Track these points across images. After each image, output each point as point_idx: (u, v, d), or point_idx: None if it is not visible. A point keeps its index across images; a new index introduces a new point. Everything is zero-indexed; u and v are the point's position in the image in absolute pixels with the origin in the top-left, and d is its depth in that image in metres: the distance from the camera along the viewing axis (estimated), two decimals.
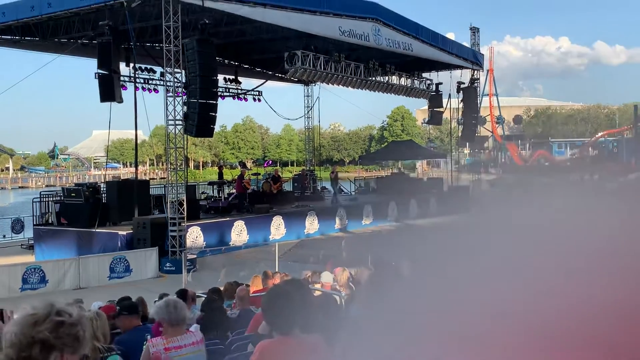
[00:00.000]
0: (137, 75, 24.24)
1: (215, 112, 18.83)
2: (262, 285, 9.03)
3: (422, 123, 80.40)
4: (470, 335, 1.12)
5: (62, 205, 20.68)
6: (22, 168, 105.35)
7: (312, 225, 23.84)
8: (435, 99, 33.30)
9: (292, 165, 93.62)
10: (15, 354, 1.80)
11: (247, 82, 32.49)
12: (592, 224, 1.37)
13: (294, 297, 3.09)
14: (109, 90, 19.14)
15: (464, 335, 1.14)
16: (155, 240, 17.85)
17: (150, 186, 24.21)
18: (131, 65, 23.65)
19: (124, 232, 18.52)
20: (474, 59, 33.23)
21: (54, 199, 21.53)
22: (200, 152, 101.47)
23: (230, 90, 30.72)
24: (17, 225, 24.16)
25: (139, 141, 29.58)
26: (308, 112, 34.73)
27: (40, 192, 22.93)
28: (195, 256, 17.51)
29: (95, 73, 19.56)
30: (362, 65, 26.43)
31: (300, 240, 21.99)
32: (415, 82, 31.08)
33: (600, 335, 1.03)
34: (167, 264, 17.58)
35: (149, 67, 24.89)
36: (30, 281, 15.31)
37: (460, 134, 34.97)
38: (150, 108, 22.93)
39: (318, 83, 30.44)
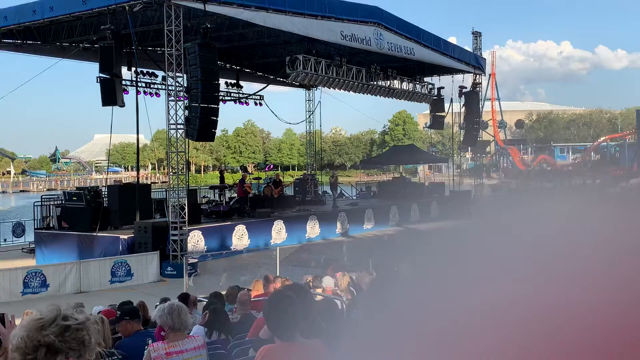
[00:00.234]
0: (138, 79, 24.29)
1: (217, 116, 18.86)
2: (263, 289, 9.03)
3: (423, 127, 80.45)
4: (468, 340, 1.12)
5: (64, 209, 20.69)
6: (23, 172, 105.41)
7: (313, 229, 23.82)
8: (437, 103, 33.28)
9: (293, 169, 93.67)
10: (21, 357, 1.82)
11: (248, 86, 32.64)
12: (591, 230, 1.36)
13: (296, 303, 3.09)
14: (111, 94, 19.16)
15: (462, 339, 1.13)
16: (157, 244, 17.88)
17: (152, 190, 24.19)
18: (133, 69, 23.73)
19: (125, 236, 18.54)
20: (476, 63, 33.19)
21: (55, 202, 21.55)
22: (201, 156, 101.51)
23: (232, 95, 30.77)
24: (18, 229, 24.23)
25: (140, 145, 29.58)
26: (309, 116, 34.80)
27: (42, 196, 22.92)
28: (196, 260, 17.47)
29: (97, 77, 19.67)
30: (364, 69, 26.42)
31: (302, 244, 21.98)
32: (417, 86, 31.03)
33: (600, 341, 1.02)
34: (169, 268, 17.58)
35: (150, 71, 24.95)
36: (31, 285, 15.30)
37: (462, 139, 34.90)
38: (151, 112, 23.07)
39: (319, 87, 30.53)
